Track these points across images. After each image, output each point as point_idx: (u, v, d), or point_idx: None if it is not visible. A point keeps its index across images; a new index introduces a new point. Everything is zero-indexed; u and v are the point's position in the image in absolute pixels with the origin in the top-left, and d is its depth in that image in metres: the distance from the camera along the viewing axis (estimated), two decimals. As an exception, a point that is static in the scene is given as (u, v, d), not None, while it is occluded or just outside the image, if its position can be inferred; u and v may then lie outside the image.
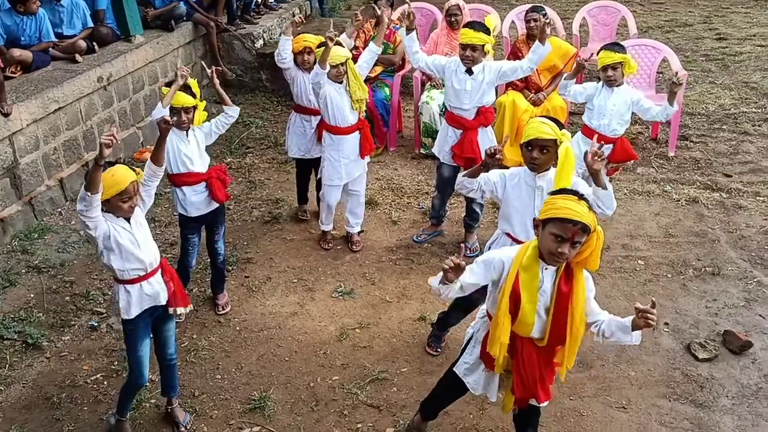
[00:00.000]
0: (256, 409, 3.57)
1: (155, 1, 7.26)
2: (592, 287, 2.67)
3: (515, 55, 6.12)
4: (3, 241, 4.97)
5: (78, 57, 6.02)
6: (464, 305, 3.69)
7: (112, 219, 2.97)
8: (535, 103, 5.98)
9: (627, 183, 5.90)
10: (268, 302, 4.44)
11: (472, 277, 2.64)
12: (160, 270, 3.15)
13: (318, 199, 5.40)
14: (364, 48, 5.31)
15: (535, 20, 5.88)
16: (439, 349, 3.96)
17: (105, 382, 3.75)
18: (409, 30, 4.58)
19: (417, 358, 3.95)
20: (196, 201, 3.94)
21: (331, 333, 4.15)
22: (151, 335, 3.27)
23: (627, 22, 8.08)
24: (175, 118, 3.35)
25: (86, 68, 5.90)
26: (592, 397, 3.66)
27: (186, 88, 3.75)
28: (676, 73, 4.33)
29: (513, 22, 7.86)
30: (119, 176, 2.87)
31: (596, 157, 3.00)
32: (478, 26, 4.41)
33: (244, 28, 8.07)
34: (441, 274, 2.53)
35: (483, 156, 3.42)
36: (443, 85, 5.90)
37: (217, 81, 4.09)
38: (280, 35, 8.35)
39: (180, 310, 3.25)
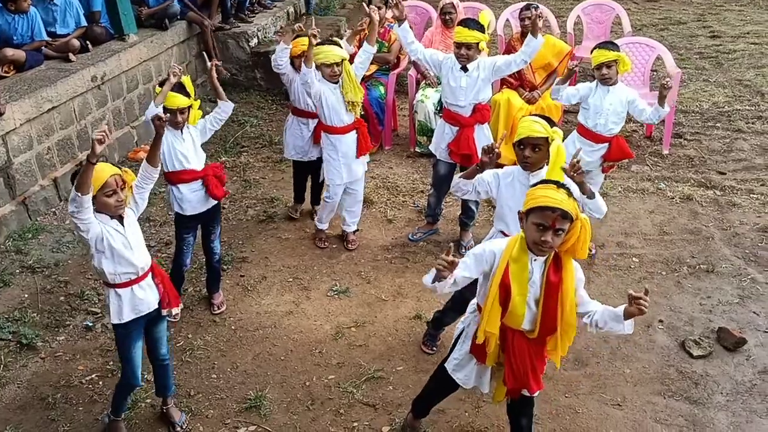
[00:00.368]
0: (252, 408, 3.57)
1: (149, -1, 7.24)
2: (581, 276, 2.69)
3: (509, 53, 6.11)
4: (-3, 241, 4.95)
5: (71, 56, 6.00)
6: (460, 304, 3.69)
7: (105, 220, 2.94)
8: (530, 102, 5.99)
9: (621, 181, 5.92)
10: (264, 301, 4.44)
11: (464, 270, 2.68)
12: (150, 273, 3.13)
13: (312, 200, 5.41)
14: (358, 47, 5.29)
15: (530, 17, 5.88)
16: (434, 348, 3.96)
17: (100, 382, 3.74)
18: (400, 21, 4.55)
19: (413, 356, 3.95)
20: (192, 199, 3.93)
21: (327, 332, 4.15)
22: (143, 336, 3.25)
23: (621, 20, 8.09)
24: (168, 115, 3.32)
25: (80, 67, 5.87)
26: (587, 395, 3.67)
27: (180, 87, 3.73)
28: (666, 80, 4.34)
29: (507, 20, 7.86)
30: (98, 170, 2.82)
31: (575, 171, 3.07)
32: (472, 24, 4.41)
33: (239, 26, 8.06)
34: (434, 271, 2.54)
35: (479, 154, 3.43)
36: (438, 84, 5.91)
37: (215, 75, 4.07)
38: (274, 34, 8.38)
39: (174, 310, 3.23)
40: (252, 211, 5.55)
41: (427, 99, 6.22)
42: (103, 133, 2.70)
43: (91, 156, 2.72)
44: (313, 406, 3.59)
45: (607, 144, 4.56)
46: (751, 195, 5.65)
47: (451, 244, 2.79)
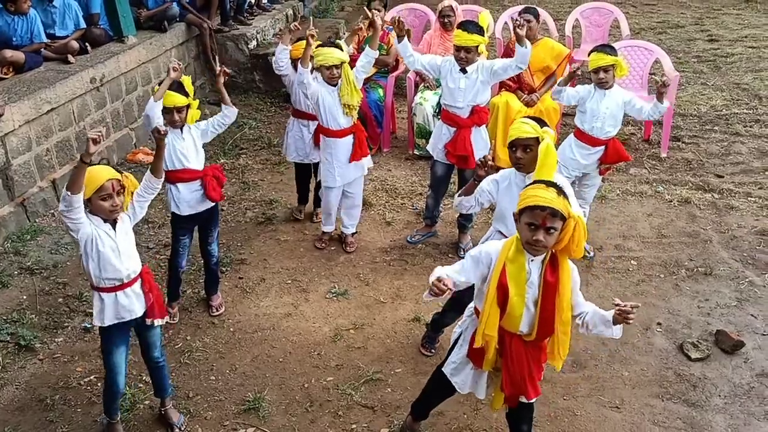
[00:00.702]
0: (251, 410, 3.57)
1: (148, 1, 7.24)
2: (577, 278, 2.70)
3: (508, 56, 6.09)
4: (-5, 242, 4.95)
5: (70, 58, 6.00)
6: (459, 305, 3.69)
7: (98, 223, 2.93)
8: (528, 104, 6.00)
9: (620, 184, 5.93)
10: (262, 303, 4.44)
11: (462, 274, 2.71)
12: (139, 281, 3.08)
13: (315, 201, 5.42)
14: (358, 51, 5.30)
15: (528, 21, 5.91)
16: (433, 350, 3.96)
17: (98, 384, 3.73)
18: (400, 38, 4.57)
19: (411, 358, 3.95)
20: (189, 199, 3.93)
21: (326, 334, 4.15)
22: (130, 339, 3.23)
23: (619, 24, 8.13)
24: (165, 129, 3.21)
25: (79, 69, 5.88)
26: (585, 397, 3.67)
27: (179, 87, 3.73)
28: (664, 78, 4.36)
29: (506, 23, 7.88)
30: (96, 172, 2.82)
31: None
32: (471, 27, 4.42)
33: (238, 29, 8.07)
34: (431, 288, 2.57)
35: (476, 157, 3.47)
36: (437, 86, 5.92)
37: (221, 80, 4.06)
38: (273, 36, 8.39)
39: (157, 321, 3.17)
40: (251, 213, 5.55)
41: (425, 102, 6.23)
42: (99, 134, 2.70)
43: (84, 155, 2.71)
44: (311, 408, 3.59)
45: (603, 147, 4.57)
46: (749, 198, 5.67)
47: (439, 283, 2.66)
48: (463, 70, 4.49)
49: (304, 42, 4.36)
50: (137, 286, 3.07)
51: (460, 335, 3.01)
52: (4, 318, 4.22)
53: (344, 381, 3.77)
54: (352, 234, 5.05)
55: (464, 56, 4.43)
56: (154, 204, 5.38)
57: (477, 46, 4.44)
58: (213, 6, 7.80)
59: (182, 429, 3.44)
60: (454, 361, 2.99)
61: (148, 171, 3.14)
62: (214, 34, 7.77)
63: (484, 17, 5.06)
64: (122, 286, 3.02)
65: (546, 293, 2.59)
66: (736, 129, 6.95)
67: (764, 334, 4.12)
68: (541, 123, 3.25)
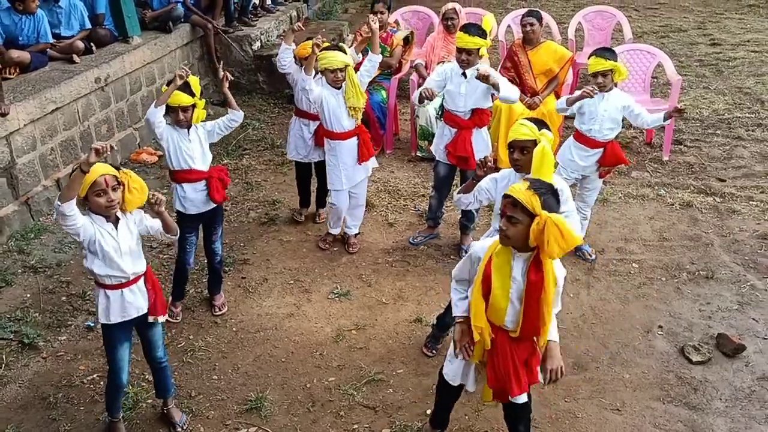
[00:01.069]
0: (253, 409, 3.58)
1: (153, 2, 7.27)
2: (561, 280, 2.72)
3: (511, 59, 6.16)
4: (-1, 241, 4.97)
5: (75, 58, 6.03)
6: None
7: (100, 223, 2.96)
8: (531, 107, 6.01)
9: (622, 187, 5.94)
10: (265, 303, 4.45)
11: (462, 272, 2.83)
12: (143, 278, 3.12)
13: (317, 203, 5.44)
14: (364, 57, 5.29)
15: (531, 24, 5.94)
16: (434, 351, 3.98)
17: (101, 382, 3.74)
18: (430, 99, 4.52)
19: (413, 359, 3.96)
20: (195, 199, 3.95)
21: (328, 334, 4.16)
22: (133, 338, 3.24)
23: (622, 27, 8.13)
24: (163, 199, 3.09)
25: (84, 69, 5.90)
26: (586, 399, 3.68)
27: (185, 86, 3.74)
28: (680, 109, 4.46)
29: (509, 26, 7.90)
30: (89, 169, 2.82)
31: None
32: (474, 29, 4.43)
33: (242, 30, 8.09)
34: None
35: (476, 159, 3.51)
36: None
37: (226, 83, 4.08)
38: (277, 37, 8.42)
39: (160, 318, 3.21)
40: (254, 213, 5.57)
41: (428, 103, 6.24)
42: (104, 146, 2.71)
43: (84, 165, 2.73)
44: (313, 408, 3.60)
45: (602, 149, 4.59)
46: (751, 202, 5.68)
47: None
48: (464, 75, 4.51)
49: (311, 42, 4.38)
50: (141, 282, 3.11)
51: None
52: (8, 316, 4.24)
53: (346, 381, 3.78)
54: (355, 235, 5.07)
55: (465, 58, 4.45)
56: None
57: (478, 49, 4.45)
58: (217, 7, 7.83)
59: (184, 428, 3.45)
60: (450, 352, 3.05)
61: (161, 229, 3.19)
62: (218, 35, 7.80)
63: (488, 21, 5.07)
64: (128, 283, 3.05)
65: (530, 292, 2.62)
66: (738, 133, 6.96)
67: (765, 338, 4.13)
68: (541, 125, 3.27)
